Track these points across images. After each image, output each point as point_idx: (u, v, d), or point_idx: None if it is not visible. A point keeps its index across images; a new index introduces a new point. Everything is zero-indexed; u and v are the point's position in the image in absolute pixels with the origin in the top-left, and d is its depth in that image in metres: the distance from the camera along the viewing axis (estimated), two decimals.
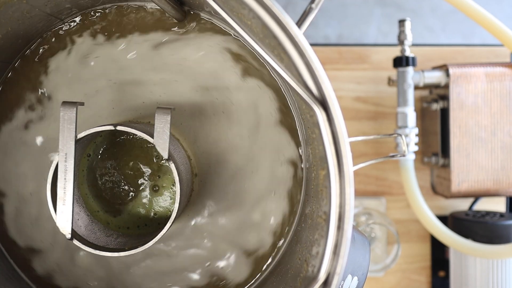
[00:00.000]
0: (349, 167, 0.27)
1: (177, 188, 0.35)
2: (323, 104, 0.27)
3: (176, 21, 0.41)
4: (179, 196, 0.35)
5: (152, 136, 0.35)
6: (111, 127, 0.35)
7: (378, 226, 0.71)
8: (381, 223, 0.67)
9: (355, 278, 0.35)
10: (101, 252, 0.36)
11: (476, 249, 0.62)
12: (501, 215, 0.66)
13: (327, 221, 0.28)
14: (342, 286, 0.34)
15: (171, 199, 0.41)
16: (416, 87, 0.66)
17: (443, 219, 0.68)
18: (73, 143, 0.34)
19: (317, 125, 0.27)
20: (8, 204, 0.41)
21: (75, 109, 0.34)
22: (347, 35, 1.13)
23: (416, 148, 0.65)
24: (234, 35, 0.41)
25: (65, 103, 0.34)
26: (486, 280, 0.63)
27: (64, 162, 0.34)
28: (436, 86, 0.67)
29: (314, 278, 0.28)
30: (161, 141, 0.35)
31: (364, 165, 0.36)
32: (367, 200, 0.71)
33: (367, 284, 0.70)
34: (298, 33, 0.26)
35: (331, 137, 0.27)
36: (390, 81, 0.68)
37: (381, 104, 0.72)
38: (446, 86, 0.64)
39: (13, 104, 0.41)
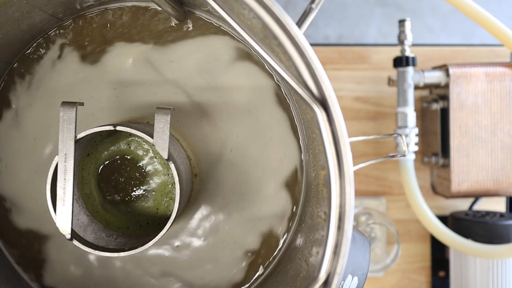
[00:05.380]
0: (349, 167, 0.27)
1: (177, 188, 0.35)
2: (323, 104, 0.27)
3: (176, 21, 0.41)
4: (179, 196, 0.35)
5: (151, 136, 0.35)
6: (110, 127, 0.35)
7: (378, 226, 0.71)
8: (381, 223, 0.67)
9: (355, 278, 0.35)
10: (101, 252, 0.36)
11: (476, 249, 0.62)
12: (501, 215, 0.66)
13: (327, 221, 0.28)
14: (342, 286, 0.34)
15: (171, 199, 0.41)
16: (416, 87, 0.66)
17: (443, 219, 0.68)
18: (72, 143, 0.34)
19: (317, 125, 0.27)
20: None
21: (74, 109, 0.34)
22: (347, 35, 1.13)
23: (416, 148, 0.65)
24: (234, 35, 0.41)
25: (64, 103, 0.34)
26: (486, 280, 0.63)
27: (64, 162, 0.34)
28: (436, 86, 0.67)
29: (314, 278, 0.28)
30: (161, 141, 0.35)
31: (364, 165, 0.36)
32: (367, 200, 0.71)
33: (367, 284, 0.70)
34: (298, 33, 0.26)
35: (331, 137, 0.27)
36: (390, 81, 0.68)
37: (381, 104, 0.72)
38: (446, 86, 0.64)
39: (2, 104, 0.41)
